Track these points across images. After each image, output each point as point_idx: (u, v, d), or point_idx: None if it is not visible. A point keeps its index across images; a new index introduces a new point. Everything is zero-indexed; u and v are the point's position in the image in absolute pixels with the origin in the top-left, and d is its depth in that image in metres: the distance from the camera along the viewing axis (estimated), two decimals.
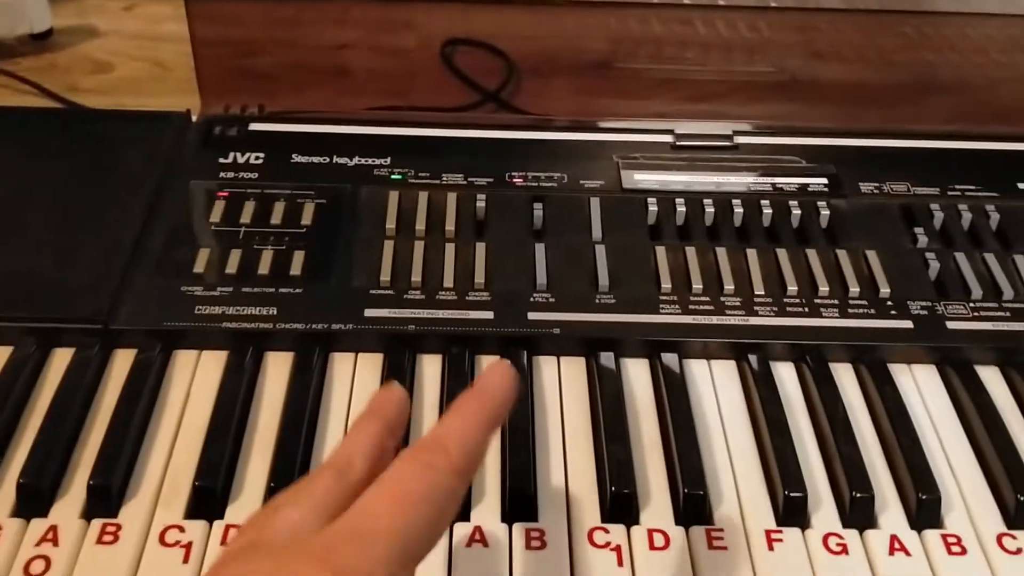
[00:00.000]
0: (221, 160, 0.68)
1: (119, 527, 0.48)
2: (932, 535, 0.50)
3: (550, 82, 0.84)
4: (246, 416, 0.54)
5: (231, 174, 0.67)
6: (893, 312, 0.60)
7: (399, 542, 0.33)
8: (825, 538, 0.50)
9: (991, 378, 0.59)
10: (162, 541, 0.48)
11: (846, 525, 0.51)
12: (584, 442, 0.54)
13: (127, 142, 0.69)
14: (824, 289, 0.61)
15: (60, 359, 0.57)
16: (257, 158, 0.68)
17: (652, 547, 0.49)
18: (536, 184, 0.68)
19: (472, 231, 0.65)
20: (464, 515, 0.50)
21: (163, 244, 0.62)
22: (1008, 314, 0.61)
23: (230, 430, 0.53)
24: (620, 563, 0.48)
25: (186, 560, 0.47)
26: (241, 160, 0.68)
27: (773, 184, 0.69)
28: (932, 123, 0.78)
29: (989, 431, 0.55)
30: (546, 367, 0.58)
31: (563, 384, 0.58)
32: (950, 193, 0.69)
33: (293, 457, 0.51)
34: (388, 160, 0.69)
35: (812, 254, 0.63)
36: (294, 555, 0.32)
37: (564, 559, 0.48)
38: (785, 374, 0.58)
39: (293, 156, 0.69)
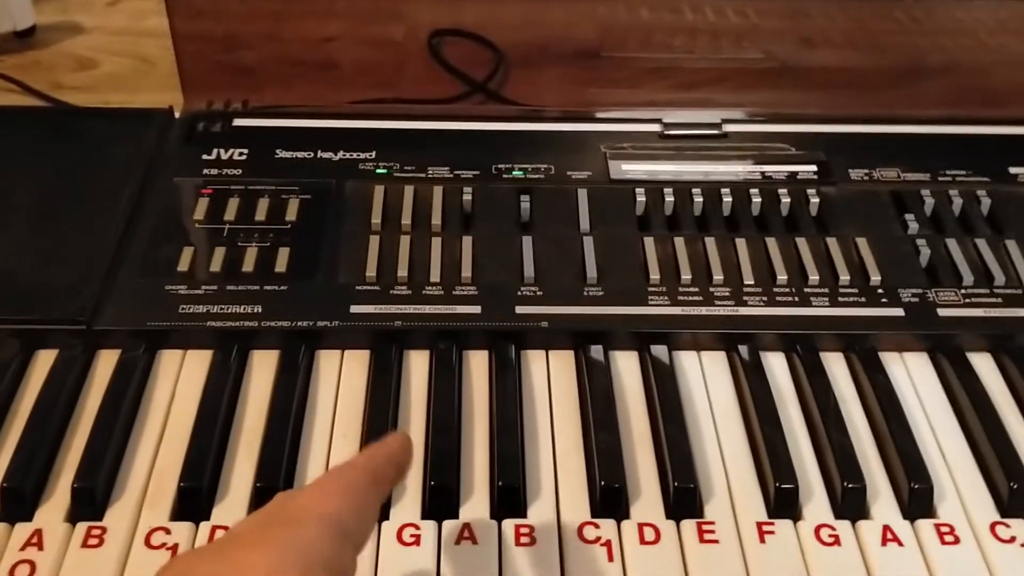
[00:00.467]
0: (204, 157, 0.67)
1: (104, 530, 0.48)
2: (925, 525, 0.50)
3: (539, 72, 0.83)
4: (232, 415, 0.54)
5: (215, 171, 0.66)
6: (884, 300, 0.60)
7: (329, 515, 0.35)
8: (817, 530, 0.49)
9: (983, 365, 0.58)
10: (148, 543, 0.48)
11: (838, 516, 0.50)
12: (573, 436, 0.54)
13: (110, 140, 0.69)
14: (814, 278, 0.60)
15: (43, 360, 0.56)
16: (241, 154, 0.68)
17: (643, 541, 0.48)
18: (523, 176, 0.68)
19: (459, 225, 0.64)
20: (453, 512, 0.50)
21: (147, 243, 0.61)
22: (1000, 300, 0.60)
23: (215, 430, 0.52)
24: (611, 558, 0.48)
25: None
26: (225, 156, 0.68)
27: (762, 172, 0.68)
28: (923, 108, 0.78)
29: (982, 419, 0.54)
30: (534, 361, 0.58)
31: (552, 378, 0.57)
32: (941, 179, 0.68)
33: (279, 456, 0.51)
34: (373, 154, 0.69)
35: (802, 242, 0.63)
36: (231, 546, 0.34)
37: (554, 555, 0.48)
38: (776, 364, 0.58)
39: (277, 151, 0.68)
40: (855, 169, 0.69)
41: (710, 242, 0.62)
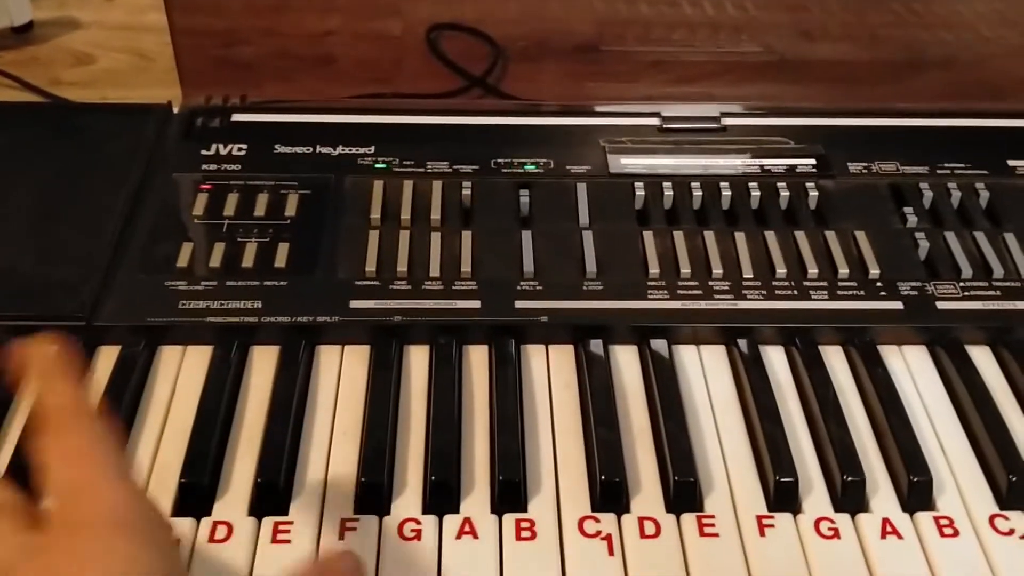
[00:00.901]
0: (203, 152, 0.67)
1: None
2: (924, 517, 0.50)
3: (537, 66, 0.83)
4: (232, 411, 0.54)
5: (214, 166, 0.66)
6: (883, 293, 0.60)
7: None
8: (817, 523, 0.49)
9: (982, 358, 0.58)
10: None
11: (838, 509, 0.50)
12: (573, 431, 0.54)
13: (109, 135, 0.68)
14: (813, 271, 0.60)
15: None
16: (240, 149, 0.68)
17: (643, 535, 0.49)
18: (522, 170, 0.68)
19: (458, 219, 0.64)
20: (454, 507, 0.50)
21: (146, 238, 0.61)
22: (998, 293, 0.60)
23: (216, 425, 0.52)
24: (611, 552, 0.48)
25: None
26: (224, 152, 0.68)
27: (761, 166, 0.68)
28: (922, 101, 0.78)
29: (980, 411, 0.54)
30: (534, 355, 0.58)
31: (551, 372, 0.57)
32: (939, 172, 0.68)
33: (280, 451, 0.51)
34: (372, 149, 0.69)
35: (801, 236, 0.63)
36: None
37: (554, 549, 0.48)
38: (775, 358, 0.58)
39: (276, 147, 0.68)
40: (854, 162, 0.69)
41: (709, 236, 0.62)
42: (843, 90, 0.81)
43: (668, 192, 0.65)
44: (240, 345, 0.57)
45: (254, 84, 0.78)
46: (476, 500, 0.50)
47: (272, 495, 0.49)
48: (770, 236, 0.63)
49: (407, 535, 0.48)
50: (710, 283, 0.60)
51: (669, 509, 0.50)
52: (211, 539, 0.48)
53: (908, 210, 0.65)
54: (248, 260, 0.60)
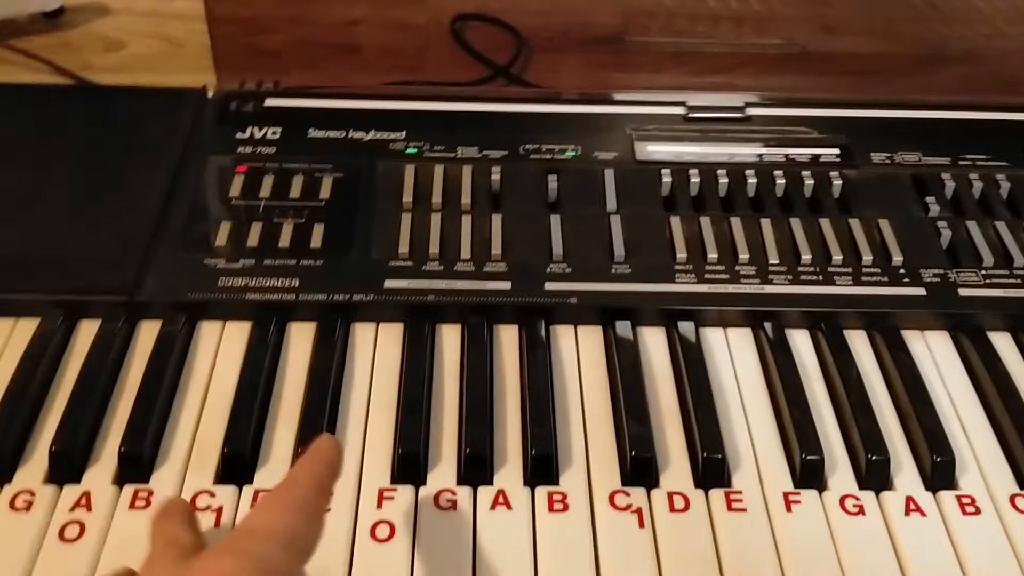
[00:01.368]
0: (239, 135, 0.69)
1: (151, 492, 0.50)
2: (947, 496, 0.51)
3: (561, 57, 0.84)
4: (271, 385, 0.55)
5: (249, 149, 0.68)
6: (906, 280, 0.61)
7: (279, 531, 0.39)
8: (842, 499, 0.51)
9: (1003, 343, 0.60)
10: (193, 505, 0.49)
11: (862, 487, 0.52)
12: (603, 409, 0.55)
13: (145, 118, 0.70)
14: (838, 257, 0.62)
15: (86, 330, 0.58)
16: (274, 133, 0.69)
17: (672, 509, 0.50)
18: (550, 157, 0.69)
19: (488, 203, 0.65)
20: (488, 479, 0.51)
21: (185, 218, 0.62)
22: (1019, 281, 0.61)
23: (256, 398, 0.54)
24: (641, 525, 0.49)
25: (217, 523, 0.48)
26: (258, 135, 0.69)
27: (786, 155, 0.69)
28: (941, 94, 0.79)
29: (1001, 395, 0.56)
30: (564, 336, 0.59)
31: (580, 352, 0.58)
32: (961, 162, 0.69)
33: (319, 423, 0.52)
34: (403, 134, 0.70)
35: (825, 223, 0.64)
36: (194, 561, 0.38)
37: (586, 521, 0.49)
38: (800, 341, 0.59)
39: (309, 131, 0.70)
40: (877, 153, 0.70)
41: (735, 222, 0.64)
42: (863, 83, 0.82)
43: (694, 179, 0.66)
44: (278, 321, 0.58)
45: (282, 71, 0.80)
46: (509, 473, 0.52)
47: None
48: (795, 223, 0.64)
49: (443, 505, 0.49)
50: (736, 267, 0.61)
51: (698, 484, 0.51)
52: (253, 505, 0.49)
53: (930, 199, 0.66)
54: (284, 240, 0.61)
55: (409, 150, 0.69)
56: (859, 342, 0.59)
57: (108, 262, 0.59)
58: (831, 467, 0.52)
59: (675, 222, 0.64)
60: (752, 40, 0.83)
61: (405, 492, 0.50)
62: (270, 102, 0.73)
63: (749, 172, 0.67)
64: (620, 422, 0.54)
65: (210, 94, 0.74)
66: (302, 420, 0.53)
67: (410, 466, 0.51)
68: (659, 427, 0.54)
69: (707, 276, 0.61)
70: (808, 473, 0.52)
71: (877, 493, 0.51)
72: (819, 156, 0.69)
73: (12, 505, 0.49)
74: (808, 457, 0.52)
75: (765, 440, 0.54)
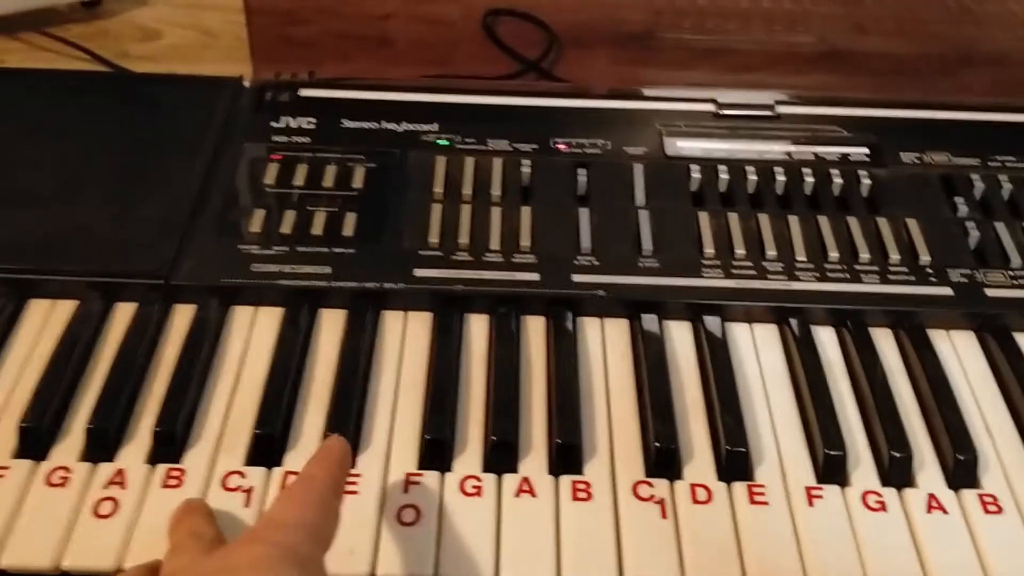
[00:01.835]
0: (274, 124, 0.70)
1: (183, 472, 0.51)
2: (969, 494, 0.51)
3: (591, 52, 0.85)
4: (302, 369, 0.56)
5: (284, 138, 0.69)
6: (933, 279, 0.61)
7: (304, 524, 0.41)
8: (864, 496, 0.51)
9: None
10: (224, 486, 0.50)
11: (885, 484, 0.52)
12: (628, 400, 0.56)
13: (183, 106, 0.71)
14: (865, 256, 0.62)
15: (122, 313, 0.59)
16: (309, 123, 0.70)
17: (695, 501, 0.50)
18: (580, 151, 0.69)
19: (518, 196, 0.66)
20: (513, 467, 0.52)
21: (220, 204, 0.64)
22: None
23: (287, 382, 0.55)
24: (664, 515, 0.50)
25: (247, 504, 0.49)
26: (293, 125, 0.70)
27: (815, 153, 0.70)
28: (973, 95, 0.79)
29: None
30: (590, 328, 0.60)
31: (607, 344, 0.59)
32: (990, 164, 0.69)
33: (348, 408, 0.53)
34: (435, 126, 0.71)
35: (853, 221, 0.64)
36: (227, 550, 0.40)
37: (609, 511, 0.50)
38: (826, 338, 0.60)
39: (343, 121, 0.71)
40: (906, 152, 0.70)
41: (763, 218, 0.64)
42: (893, 83, 0.82)
43: (723, 175, 0.67)
44: (309, 308, 0.59)
45: (316, 63, 0.80)
46: (534, 461, 0.52)
47: None
48: (823, 220, 0.64)
49: (468, 491, 0.50)
50: (764, 264, 0.61)
51: (721, 477, 0.52)
52: (282, 487, 0.50)
53: (959, 200, 0.66)
54: (318, 228, 0.62)
55: (441, 142, 0.70)
56: (884, 340, 0.60)
57: (145, 246, 0.60)
58: (854, 463, 0.53)
59: (703, 217, 0.64)
60: (783, 38, 0.83)
61: (431, 478, 0.51)
62: (305, 92, 0.74)
63: (778, 169, 0.67)
64: (645, 414, 0.54)
65: (246, 84, 0.75)
66: (332, 405, 0.54)
67: (437, 452, 0.52)
68: (683, 420, 0.55)
69: (734, 271, 0.61)
70: (831, 469, 0.52)
71: (899, 490, 0.52)
72: (848, 155, 0.70)
73: (49, 481, 0.50)
74: (831, 452, 0.52)
75: (789, 435, 0.54)
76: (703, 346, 0.58)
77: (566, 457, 0.52)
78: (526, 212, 0.64)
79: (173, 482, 0.50)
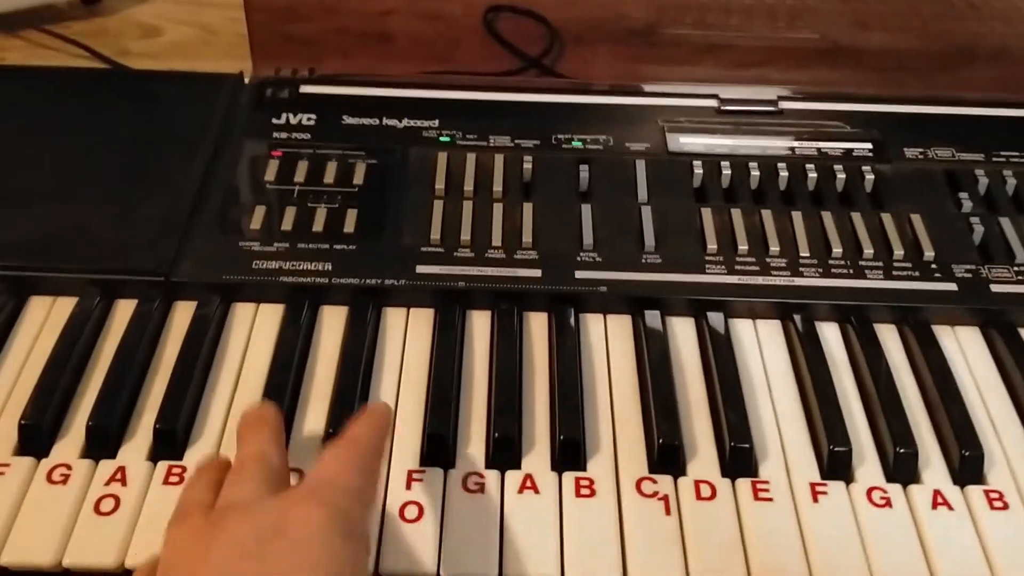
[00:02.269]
0: (274, 121, 0.70)
1: (184, 469, 0.50)
2: (975, 490, 0.51)
3: (593, 49, 0.84)
4: (303, 366, 0.56)
5: (284, 134, 0.69)
6: (937, 275, 0.61)
7: (354, 488, 0.41)
8: (869, 492, 0.51)
9: None
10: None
11: (890, 480, 0.52)
12: (631, 396, 0.56)
13: (182, 103, 0.71)
14: (869, 251, 0.62)
15: (123, 309, 0.59)
16: (309, 119, 0.70)
17: (699, 497, 0.50)
18: (582, 147, 0.69)
19: (519, 192, 0.66)
20: (516, 463, 0.51)
21: (221, 201, 0.63)
22: None
23: (289, 379, 0.54)
24: (667, 512, 0.50)
25: None
26: (294, 121, 0.70)
27: (818, 149, 0.69)
28: (977, 91, 0.78)
29: None
30: (593, 324, 0.60)
31: (609, 340, 0.59)
32: (995, 159, 0.69)
33: (350, 405, 0.53)
34: (436, 122, 0.71)
35: (857, 217, 0.64)
36: (284, 503, 0.40)
37: (612, 507, 0.50)
38: (830, 334, 0.59)
39: (344, 118, 0.70)
40: (910, 148, 0.70)
41: (766, 214, 0.64)
42: (896, 78, 0.82)
43: (726, 171, 0.66)
44: (311, 304, 0.59)
45: (315, 60, 0.80)
46: (537, 458, 0.52)
47: None
48: (826, 216, 0.64)
49: (471, 488, 0.50)
50: (767, 259, 0.61)
51: (724, 474, 0.52)
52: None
53: (963, 195, 0.66)
54: (318, 224, 0.62)
55: (442, 138, 0.69)
56: (889, 336, 0.59)
57: (145, 243, 0.60)
58: (859, 459, 0.52)
59: (706, 213, 0.64)
60: (786, 34, 0.82)
61: (434, 474, 0.50)
62: (305, 89, 0.74)
63: (781, 165, 0.67)
64: (648, 410, 0.54)
65: (246, 80, 0.75)
66: (333, 402, 0.53)
67: (439, 449, 0.51)
68: (687, 416, 0.54)
69: (737, 268, 0.61)
70: (836, 465, 0.52)
71: (904, 486, 0.51)
72: (852, 150, 0.69)
73: (49, 478, 0.50)
74: (836, 448, 0.52)
75: (793, 431, 0.54)
76: (706, 342, 0.58)
77: (569, 453, 0.52)
78: (528, 208, 0.64)
79: (174, 479, 0.50)
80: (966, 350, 0.59)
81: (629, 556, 0.48)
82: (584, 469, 0.51)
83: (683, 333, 0.59)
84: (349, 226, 0.62)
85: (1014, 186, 0.67)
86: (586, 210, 0.64)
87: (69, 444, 0.52)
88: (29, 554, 0.47)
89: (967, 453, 0.52)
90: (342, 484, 0.41)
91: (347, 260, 0.60)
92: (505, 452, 0.51)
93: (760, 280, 0.60)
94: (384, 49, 0.84)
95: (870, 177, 0.66)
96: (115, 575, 0.47)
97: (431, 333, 0.58)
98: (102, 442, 0.52)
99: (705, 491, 0.51)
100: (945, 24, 0.82)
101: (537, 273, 0.60)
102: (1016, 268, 0.61)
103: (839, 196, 0.66)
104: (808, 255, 0.61)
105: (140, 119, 0.70)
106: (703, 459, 0.52)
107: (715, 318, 0.59)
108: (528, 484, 0.50)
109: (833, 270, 0.61)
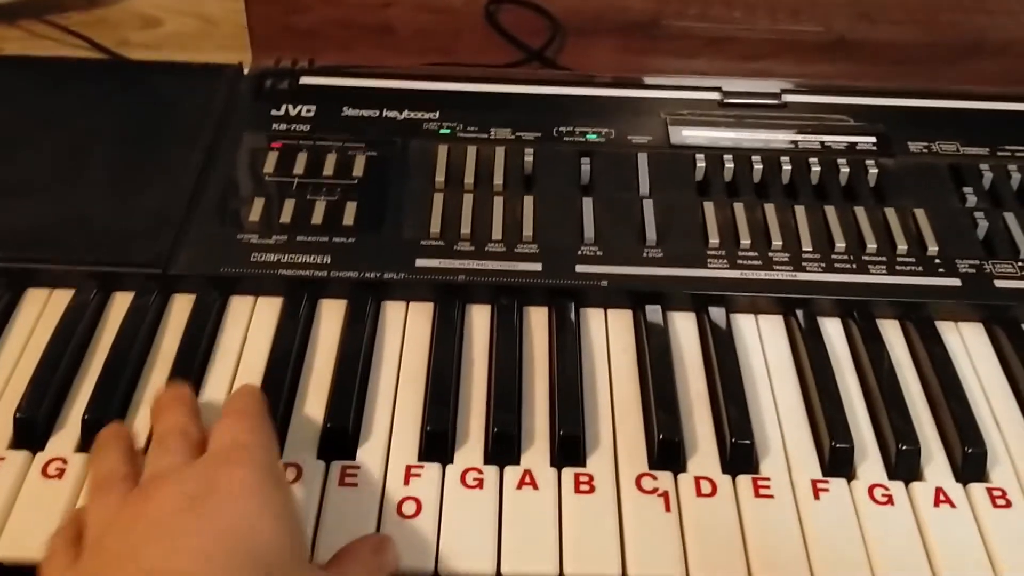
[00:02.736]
0: (273, 112, 0.69)
1: None
2: (977, 488, 0.51)
3: (595, 41, 0.84)
4: (301, 360, 0.56)
5: (284, 126, 0.68)
6: (941, 270, 0.60)
7: (261, 444, 0.44)
8: (871, 489, 0.50)
9: None
10: None
11: (892, 477, 0.51)
12: (631, 392, 0.55)
13: (182, 94, 0.70)
14: (872, 246, 0.61)
15: (120, 302, 0.58)
16: (308, 111, 0.69)
17: (699, 494, 0.50)
18: (583, 139, 0.69)
19: (520, 185, 0.65)
20: (515, 459, 0.51)
21: (219, 193, 0.63)
22: None
23: (287, 372, 0.54)
24: (667, 508, 0.49)
25: None
26: (293, 112, 0.69)
27: (821, 142, 0.69)
28: (982, 85, 0.78)
29: None
30: (593, 318, 0.59)
31: (610, 335, 0.58)
32: (999, 153, 0.69)
33: (349, 399, 0.52)
34: (437, 114, 0.70)
35: (860, 212, 0.63)
36: (206, 467, 0.42)
37: (612, 503, 0.49)
38: (832, 330, 0.59)
39: (344, 109, 0.70)
40: (914, 142, 0.69)
41: (769, 208, 0.63)
42: (901, 72, 0.81)
43: (729, 164, 0.66)
44: (309, 298, 0.58)
45: (316, 51, 0.80)
46: (536, 454, 0.52)
47: (341, 439, 0.51)
48: (829, 210, 0.63)
49: (469, 483, 0.50)
50: (769, 254, 0.61)
51: (725, 470, 0.51)
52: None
53: (967, 190, 0.65)
54: (317, 217, 0.61)
55: (443, 130, 0.69)
56: (892, 332, 0.59)
57: (143, 235, 0.60)
58: (861, 456, 0.52)
59: (708, 207, 0.63)
60: (789, 27, 0.82)
61: (432, 470, 0.50)
62: (305, 80, 0.73)
63: (784, 159, 0.66)
64: (648, 406, 0.54)
65: (245, 71, 0.74)
66: (331, 396, 0.53)
67: (438, 444, 0.51)
68: (687, 412, 0.54)
69: (739, 262, 0.60)
70: (837, 461, 0.51)
71: (907, 484, 0.51)
72: (855, 144, 0.69)
73: (45, 472, 0.49)
74: (838, 445, 0.51)
75: (794, 427, 0.54)
76: (708, 337, 0.57)
77: (568, 449, 0.51)
78: (529, 202, 0.63)
79: None
80: (969, 346, 0.58)
81: (628, 552, 0.47)
82: (583, 465, 0.51)
83: (684, 328, 0.59)
84: (348, 219, 0.61)
85: (1019, 180, 0.66)
86: (587, 203, 0.63)
87: (65, 438, 0.51)
88: (24, 548, 0.46)
89: (970, 450, 0.51)
90: (250, 443, 0.43)
91: (346, 253, 0.60)
92: (504, 448, 0.51)
93: (762, 275, 0.60)
94: (385, 41, 0.83)
95: (874, 171, 0.66)
96: None
97: (430, 327, 0.58)
98: (95, 434, 0.51)
99: (705, 487, 0.50)
100: (952, 17, 0.82)
101: (537, 267, 0.60)
102: (1020, 263, 0.61)
103: (842, 190, 0.65)
104: (811, 249, 0.61)
105: (139, 110, 0.69)
106: (704, 455, 0.52)
107: (716, 313, 0.58)
108: (527, 480, 0.50)
109: (836, 265, 0.60)
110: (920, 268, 0.60)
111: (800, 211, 0.63)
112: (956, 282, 0.60)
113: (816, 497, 0.50)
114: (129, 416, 0.53)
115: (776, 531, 0.49)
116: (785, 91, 0.73)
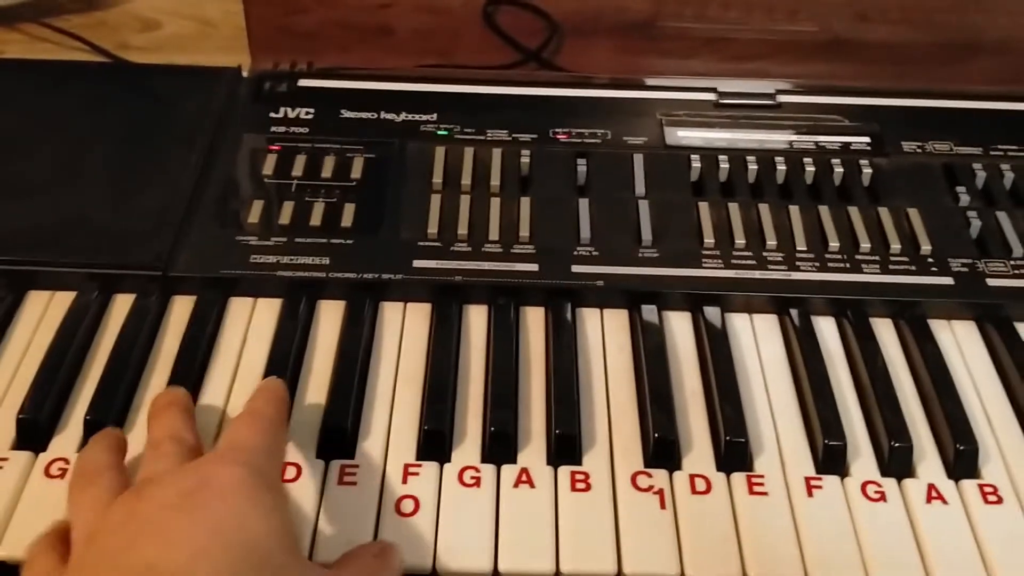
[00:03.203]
0: (272, 115, 0.70)
1: None
2: (969, 485, 0.51)
3: (592, 42, 0.84)
4: (300, 360, 0.56)
5: (282, 128, 0.69)
6: (934, 269, 0.61)
7: (263, 448, 0.45)
8: (863, 486, 0.51)
9: None
10: None
11: (884, 474, 0.52)
12: (627, 391, 0.56)
13: (181, 96, 0.71)
14: (865, 245, 0.62)
15: (121, 304, 0.59)
16: (307, 113, 0.70)
17: (694, 491, 0.50)
18: (580, 140, 0.69)
19: (517, 186, 0.66)
20: (511, 457, 0.52)
21: (218, 195, 0.63)
22: None
23: (286, 373, 0.54)
24: (663, 506, 0.50)
25: None
26: (292, 115, 0.70)
27: (816, 142, 0.69)
28: (976, 84, 0.78)
29: None
30: (590, 318, 0.60)
31: (606, 335, 0.59)
32: (992, 153, 0.69)
33: (348, 398, 0.53)
34: (434, 116, 0.71)
35: (854, 211, 0.64)
36: (200, 467, 0.43)
37: (607, 501, 0.50)
38: (826, 328, 0.59)
39: (342, 112, 0.70)
40: (908, 141, 0.70)
41: (764, 208, 0.64)
42: (896, 71, 0.82)
43: (724, 165, 0.66)
44: (308, 299, 0.59)
45: (314, 53, 0.80)
46: (532, 452, 0.52)
47: (339, 438, 0.51)
48: (823, 210, 0.64)
49: (467, 482, 0.50)
50: (764, 254, 0.61)
51: (720, 468, 0.52)
52: (281, 478, 0.50)
53: (961, 189, 0.66)
54: (316, 219, 0.62)
55: (440, 132, 0.69)
56: (885, 330, 0.59)
57: (143, 237, 0.60)
58: (854, 453, 0.53)
59: (703, 207, 0.64)
60: (785, 27, 0.82)
61: (430, 468, 0.51)
62: (304, 82, 0.74)
63: (779, 159, 0.67)
64: (644, 404, 0.54)
65: (244, 74, 0.75)
66: (330, 396, 0.54)
67: (435, 443, 0.52)
68: (683, 410, 0.55)
69: (734, 262, 0.61)
70: (830, 459, 0.52)
71: (899, 480, 0.51)
72: (849, 144, 0.69)
73: (47, 473, 0.50)
74: (831, 443, 0.52)
75: (788, 425, 0.54)
76: (703, 337, 0.58)
77: (565, 448, 0.52)
78: (525, 202, 0.64)
79: None
80: (962, 344, 0.59)
81: (624, 550, 0.48)
82: (580, 463, 0.52)
83: (680, 327, 0.59)
84: (347, 220, 0.62)
85: (1011, 180, 0.67)
86: (583, 204, 0.64)
87: (67, 438, 0.52)
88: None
89: (962, 447, 0.52)
90: (251, 446, 0.44)
91: (345, 254, 0.60)
92: (501, 446, 0.52)
93: (757, 274, 0.60)
94: (383, 42, 0.84)
95: (867, 171, 0.66)
96: None
97: (428, 327, 0.58)
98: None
99: (700, 485, 0.51)
100: (946, 17, 0.82)
101: (534, 267, 0.60)
102: (1013, 262, 0.61)
103: (836, 190, 0.66)
104: (805, 249, 0.62)
105: (138, 113, 0.70)
106: (698, 453, 0.53)
107: (712, 312, 0.59)
108: (524, 478, 0.50)
109: (830, 264, 0.61)
110: (913, 267, 0.61)
111: (794, 211, 0.64)
112: (949, 281, 0.60)
113: (810, 494, 0.51)
114: (130, 416, 0.53)
115: (770, 528, 0.49)
116: (780, 92, 0.74)
